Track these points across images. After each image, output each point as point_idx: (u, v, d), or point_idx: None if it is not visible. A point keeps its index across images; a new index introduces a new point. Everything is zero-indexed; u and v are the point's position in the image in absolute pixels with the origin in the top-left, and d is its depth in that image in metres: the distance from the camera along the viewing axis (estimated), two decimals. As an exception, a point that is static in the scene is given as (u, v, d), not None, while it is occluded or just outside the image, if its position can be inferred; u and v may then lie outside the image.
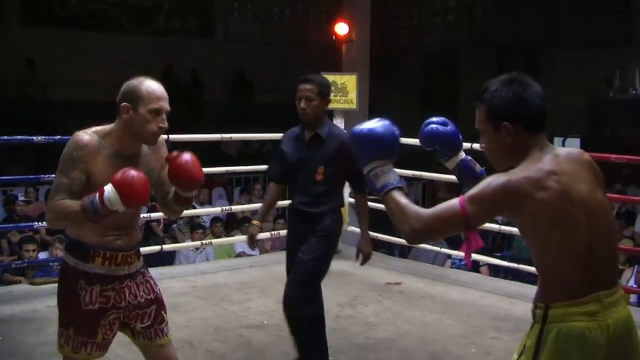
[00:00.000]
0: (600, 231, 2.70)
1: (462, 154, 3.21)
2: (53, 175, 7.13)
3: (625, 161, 7.27)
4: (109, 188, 3.11)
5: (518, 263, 7.89)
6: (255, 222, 5.27)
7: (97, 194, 3.13)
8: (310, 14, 22.09)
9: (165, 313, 3.65)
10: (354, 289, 7.33)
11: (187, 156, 3.38)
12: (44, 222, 8.17)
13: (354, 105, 8.46)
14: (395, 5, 20.91)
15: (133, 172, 3.15)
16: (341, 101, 8.40)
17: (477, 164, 3.23)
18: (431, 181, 13.92)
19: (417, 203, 11.90)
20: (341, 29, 12.16)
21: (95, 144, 3.36)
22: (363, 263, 5.26)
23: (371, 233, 8.92)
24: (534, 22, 19.33)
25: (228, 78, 19.76)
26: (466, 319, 6.50)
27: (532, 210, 2.61)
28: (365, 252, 5.20)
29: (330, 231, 5.01)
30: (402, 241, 9.41)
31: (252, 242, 5.25)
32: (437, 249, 9.04)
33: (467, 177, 3.19)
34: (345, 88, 8.39)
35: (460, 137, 3.22)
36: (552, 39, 18.80)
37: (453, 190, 13.98)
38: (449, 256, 9.61)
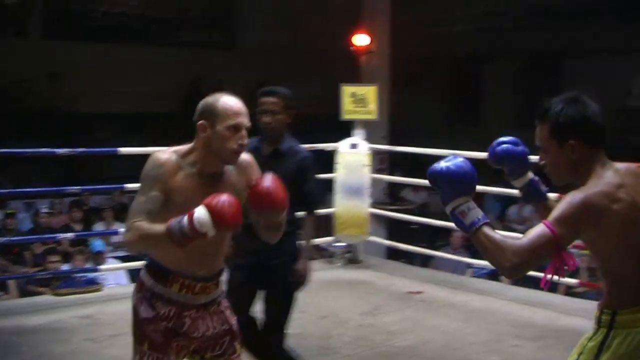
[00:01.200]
0: None
1: (530, 174, 3.24)
2: (77, 188, 7.29)
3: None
4: (200, 210, 2.97)
5: (539, 272, 7.89)
6: None
7: (186, 216, 2.99)
8: (331, 23, 22.13)
9: (239, 345, 3.51)
10: (375, 298, 7.36)
11: (267, 181, 3.29)
12: (67, 234, 8.32)
13: (374, 117, 8.53)
14: (418, 14, 20.94)
15: (226, 196, 3.03)
16: (361, 112, 8.46)
17: (542, 184, 3.28)
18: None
19: (437, 214, 11.83)
20: (361, 40, 12.24)
21: (174, 163, 3.26)
22: (297, 283, 4.87)
23: (392, 243, 9.07)
24: (556, 31, 19.29)
25: (249, 89, 19.86)
26: (487, 327, 6.51)
27: (609, 222, 2.70)
28: (302, 273, 4.84)
29: (293, 254, 4.81)
30: (423, 250, 9.48)
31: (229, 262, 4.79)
32: (458, 258, 9.09)
33: (535, 196, 3.26)
34: (365, 99, 8.45)
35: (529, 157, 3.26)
36: (574, 48, 18.77)
37: (475, 200, 13.97)
38: (470, 265, 9.63)
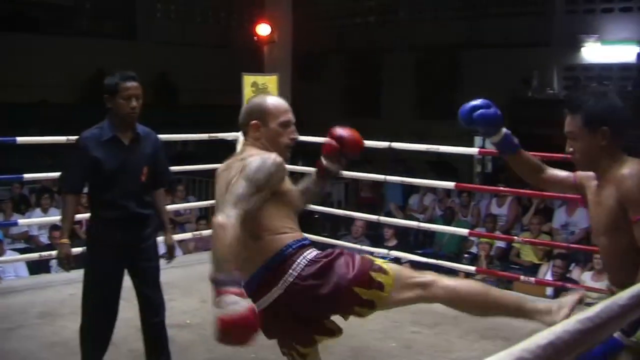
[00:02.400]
0: None
1: (504, 129, 3.51)
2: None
3: (540, 158, 7.46)
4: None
5: (439, 259, 8.05)
6: (64, 240, 4.76)
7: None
8: (233, 15, 22.08)
9: None
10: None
11: (346, 130, 3.78)
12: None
13: (275, 106, 8.52)
14: (320, 7, 21.04)
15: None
16: (262, 102, 8.45)
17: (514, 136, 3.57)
18: (354, 180, 14.03)
19: (339, 203, 11.96)
20: (263, 30, 12.23)
21: None
22: (170, 258, 5.22)
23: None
24: (455, 24, 19.62)
25: (151, 80, 19.71)
26: (386, 313, 6.49)
27: None
28: (170, 243, 5.20)
29: (157, 232, 5.03)
30: (324, 239, 9.50)
31: (69, 262, 4.81)
32: (358, 246, 9.18)
33: (509, 148, 3.56)
34: (267, 89, 8.44)
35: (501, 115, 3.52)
36: (472, 41, 19.10)
37: (377, 189, 14.13)
38: (371, 253, 9.72)
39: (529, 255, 10.42)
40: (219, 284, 2.99)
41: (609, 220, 3.15)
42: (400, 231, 10.65)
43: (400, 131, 15.32)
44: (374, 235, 10.93)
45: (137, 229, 4.78)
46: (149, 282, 4.90)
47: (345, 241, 9.92)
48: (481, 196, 12.81)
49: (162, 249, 5.19)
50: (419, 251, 10.10)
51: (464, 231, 8.46)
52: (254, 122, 3.52)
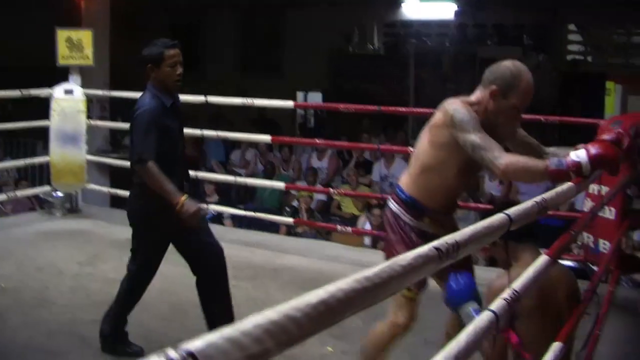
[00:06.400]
0: None
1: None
2: None
3: (353, 110, 7.63)
4: (582, 154, 3.12)
5: (260, 213, 8.15)
6: (184, 198, 4.56)
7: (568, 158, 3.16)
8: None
9: None
10: (94, 247, 7.26)
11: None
12: None
13: (90, 62, 8.34)
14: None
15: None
16: (76, 57, 8.25)
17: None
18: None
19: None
20: (80, -17, 11.93)
21: None
22: None
23: (112, 190, 8.98)
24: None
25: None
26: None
27: None
28: None
29: None
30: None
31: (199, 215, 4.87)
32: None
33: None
34: (81, 44, 8.26)
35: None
36: (295, -1, 19.17)
37: (198, 146, 14.12)
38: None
39: (349, 207, 10.66)
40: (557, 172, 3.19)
41: None
42: (221, 187, 10.68)
43: (225, 90, 15.24)
44: (196, 192, 10.90)
45: (187, 189, 4.84)
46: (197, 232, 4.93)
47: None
48: (303, 150, 12.99)
49: None
50: (241, 206, 10.15)
51: (281, 184, 8.54)
52: (494, 89, 3.46)
